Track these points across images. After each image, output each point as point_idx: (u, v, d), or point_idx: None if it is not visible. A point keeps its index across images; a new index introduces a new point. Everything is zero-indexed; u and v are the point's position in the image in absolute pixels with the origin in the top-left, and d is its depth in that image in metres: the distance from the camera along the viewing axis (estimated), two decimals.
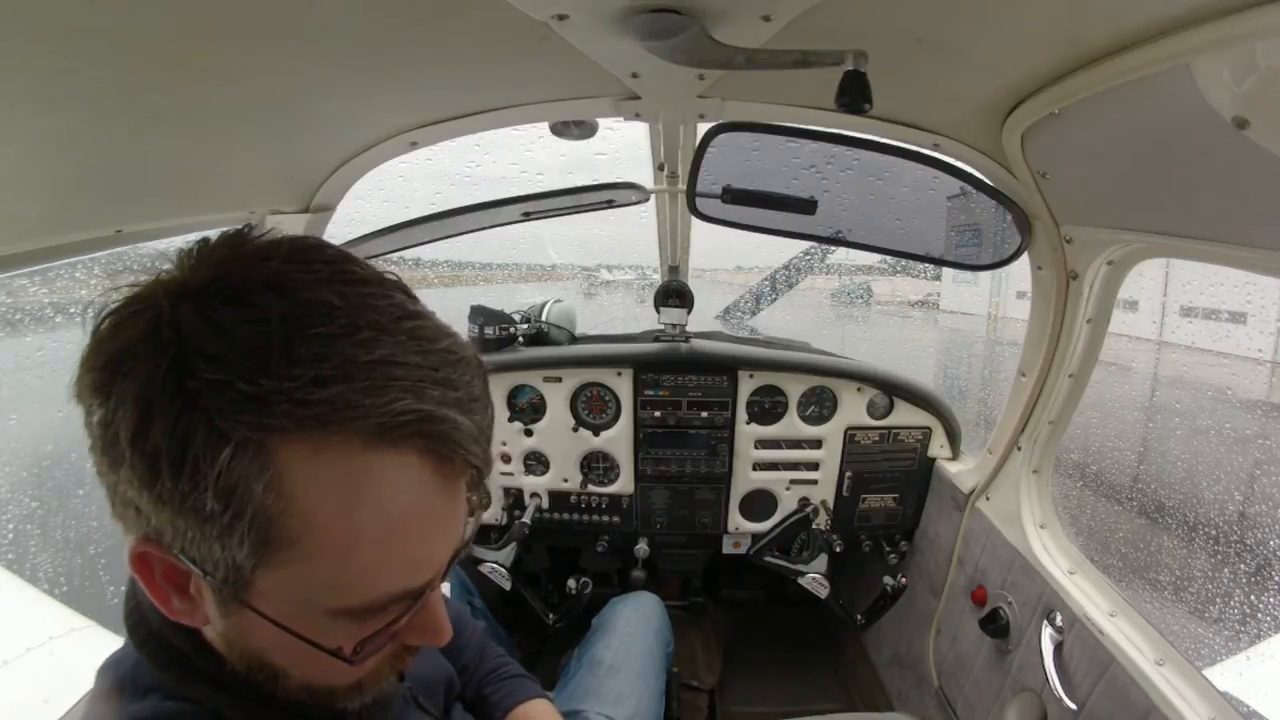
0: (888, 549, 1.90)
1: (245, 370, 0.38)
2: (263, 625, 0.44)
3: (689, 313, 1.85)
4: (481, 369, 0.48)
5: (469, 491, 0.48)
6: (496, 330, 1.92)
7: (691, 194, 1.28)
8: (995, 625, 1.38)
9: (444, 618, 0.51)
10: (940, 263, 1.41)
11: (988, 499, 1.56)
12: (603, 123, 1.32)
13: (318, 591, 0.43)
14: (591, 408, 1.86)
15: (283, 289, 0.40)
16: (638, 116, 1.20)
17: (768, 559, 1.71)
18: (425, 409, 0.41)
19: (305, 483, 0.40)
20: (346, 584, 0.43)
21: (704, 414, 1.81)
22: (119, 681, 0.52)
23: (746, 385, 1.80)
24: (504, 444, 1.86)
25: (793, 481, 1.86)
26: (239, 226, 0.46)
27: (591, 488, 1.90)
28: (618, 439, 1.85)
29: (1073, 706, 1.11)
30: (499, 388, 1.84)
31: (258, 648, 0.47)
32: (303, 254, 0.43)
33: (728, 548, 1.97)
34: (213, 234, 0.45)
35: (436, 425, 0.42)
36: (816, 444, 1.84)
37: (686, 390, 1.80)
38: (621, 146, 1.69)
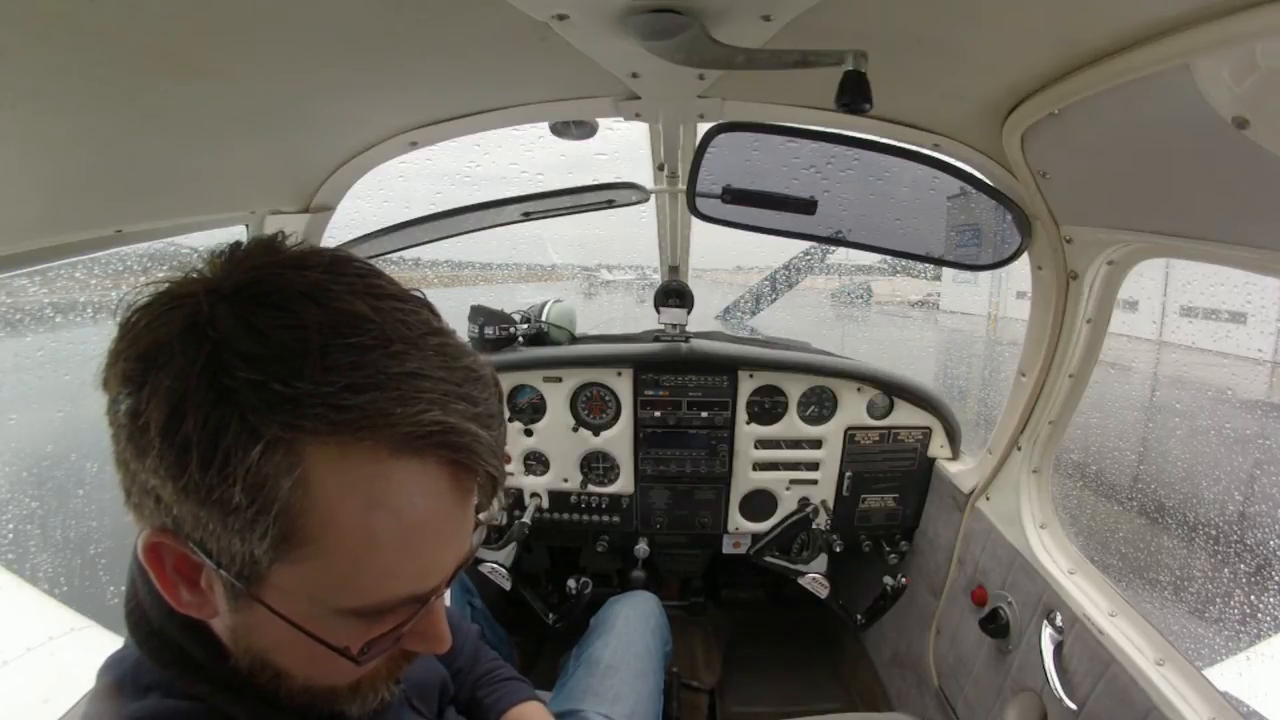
0: (888, 549, 1.90)
1: (281, 372, 0.39)
2: (271, 622, 0.45)
3: (689, 313, 1.85)
4: (497, 387, 0.50)
5: (481, 501, 0.50)
6: (496, 330, 1.92)
7: (691, 194, 1.28)
8: (995, 625, 1.38)
9: (445, 627, 0.52)
10: (940, 263, 1.41)
11: (988, 499, 1.56)
12: (603, 123, 1.32)
13: (330, 590, 0.44)
14: (591, 408, 1.86)
15: (319, 298, 0.42)
16: (638, 116, 1.20)
17: (768, 559, 1.71)
18: (450, 421, 0.43)
19: (330, 483, 0.41)
20: (359, 585, 0.44)
21: (704, 414, 1.81)
22: (119, 680, 0.52)
23: (746, 385, 1.80)
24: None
25: (793, 481, 1.86)
26: (262, 232, 0.47)
27: (591, 488, 1.90)
28: (618, 439, 1.85)
29: (1073, 706, 1.11)
30: None
31: (262, 646, 0.48)
32: (337, 265, 0.45)
33: (728, 548, 1.97)
34: (235, 237, 0.46)
35: (460, 438, 0.44)
36: (816, 444, 1.84)
37: (686, 390, 1.80)
38: (621, 146, 1.69)
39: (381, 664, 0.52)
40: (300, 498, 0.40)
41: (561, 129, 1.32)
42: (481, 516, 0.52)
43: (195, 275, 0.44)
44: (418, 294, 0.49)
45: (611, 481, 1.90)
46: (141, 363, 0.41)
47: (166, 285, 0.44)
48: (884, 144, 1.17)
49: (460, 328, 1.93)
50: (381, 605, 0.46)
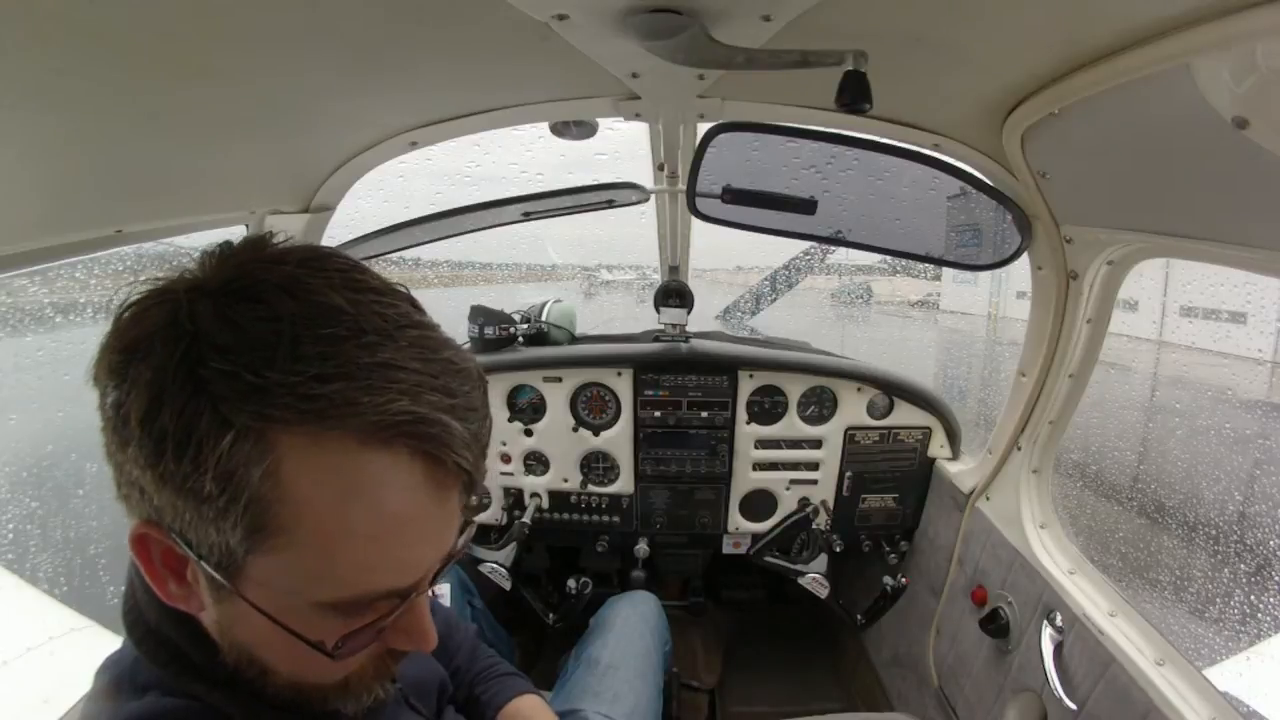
0: (888, 549, 1.90)
1: (252, 362, 0.40)
2: (251, 615, 0.45)
3: (689, 313, 1.85)
4: (482, 381, 0.49)
5: (463, 497, 0.49)
6: (496, 330, 1.92)
7: (691, 194, 1.28)
8: (995, 625, 1.38)
9: (429, 623, 0.52)
10: (940, 263, 1.41)
11: (988, 499, 1.56)
12: (603, 122, 1.32)
13: (306, 582, 0.44)
14: (591, 408, 1.86)
15: (295, 291, 0.42)
16: (638, 116, 1.20)
17: (768, 559, 1.71)
18: (420, 411, 0.43)
19: (300, 473, 0.41)
20: (334, 577, 0.44)
21: (704, 414, 1.81)
22: (117, 680, 0.52)
23: (746, 385, 1.80)
24: (504, 444, 1.86)
25: (793, 481, 1.86)
26: (262, 232, 0.48)
27: (591, 488, 1.90)
28: (618, 439, 1.85)
29: (1072, 706, 1.11)
30: (499, 388, 1.84)
31: (246, 640, 0.48)
32: (317, 260, 0.45)
33: (728, 548, 1.97)
34: (235, 237, 0.47)
35: (429, 428, 0.43)
36: (816, 444, 1.84)
37: (686, 390, 1.80)
38: (621, 146, 1.69)
39: (369, 662, 0.52)
40: (271, 488, 0.41)
41: (561, 129, 1.32)
42: (468, 501, 0.51)
43: (185, 273, 0.45)
44: (400, 288, 0.49)
45: (611, 481, 1.90)
46: (125, 355, 0.42)
47: (156, 283, 0.45)
48: (884, 144, 1.17)
49: (460, 328, 1.93)
50: (359, 599, 0.46)
